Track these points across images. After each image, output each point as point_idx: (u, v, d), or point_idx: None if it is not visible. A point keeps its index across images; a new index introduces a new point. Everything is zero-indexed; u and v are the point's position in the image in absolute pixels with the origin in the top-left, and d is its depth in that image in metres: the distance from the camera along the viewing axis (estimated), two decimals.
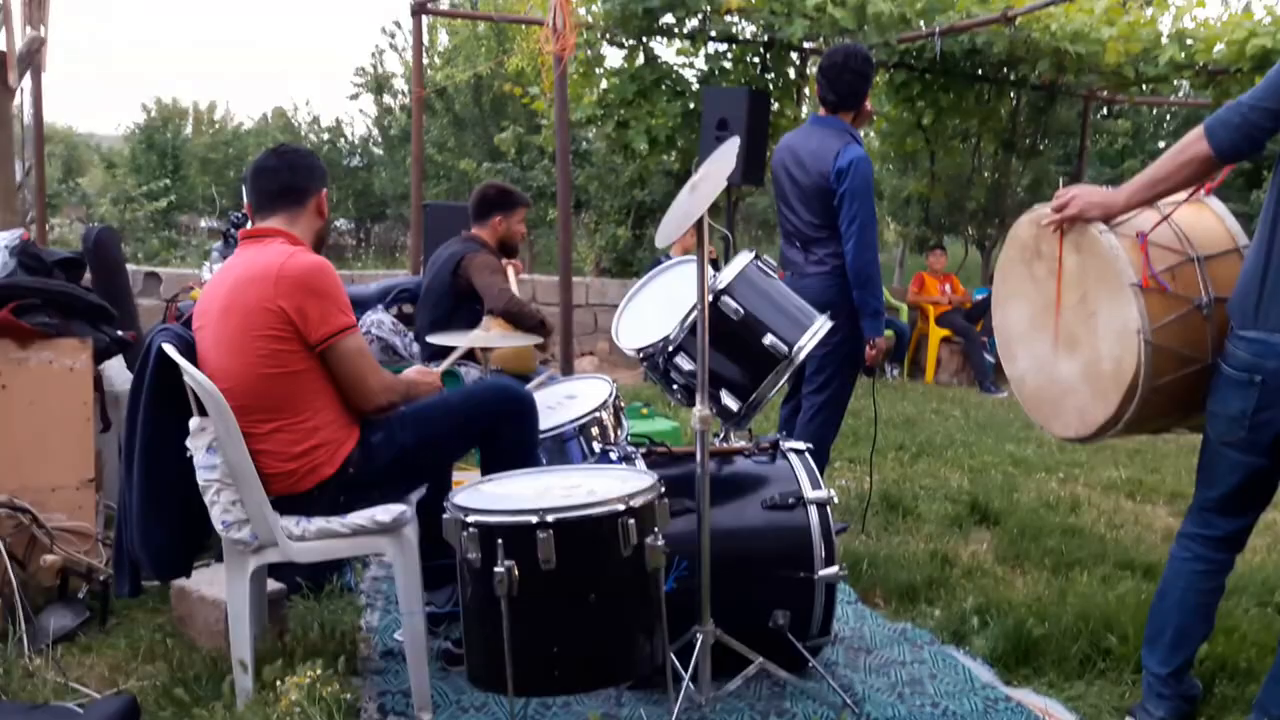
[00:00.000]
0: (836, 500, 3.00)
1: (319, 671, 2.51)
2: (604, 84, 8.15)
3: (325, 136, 21.82)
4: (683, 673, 2.63)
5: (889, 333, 9.52)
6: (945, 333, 9.90)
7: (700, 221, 2.31)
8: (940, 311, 9.98)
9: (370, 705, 2.77)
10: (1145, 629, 2.71)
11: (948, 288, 10.29)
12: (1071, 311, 2.62)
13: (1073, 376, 2.66)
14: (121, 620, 3.28)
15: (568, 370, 6.90)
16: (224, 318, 2.59)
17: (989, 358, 9.34)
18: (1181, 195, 2.54)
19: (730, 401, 2.82)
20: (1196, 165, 2.39)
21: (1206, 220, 2.60)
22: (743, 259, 2.85)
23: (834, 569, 2.89)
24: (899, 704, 2.84)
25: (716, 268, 3.10)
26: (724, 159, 2.36)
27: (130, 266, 7.34)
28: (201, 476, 2.58)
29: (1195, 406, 2.52)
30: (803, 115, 8.49)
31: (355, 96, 21.37)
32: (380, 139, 21.35)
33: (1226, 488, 2.52)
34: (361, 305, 6.11)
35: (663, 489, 2.40)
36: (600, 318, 9.62)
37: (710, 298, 2.71)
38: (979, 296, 10.31)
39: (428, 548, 2.80)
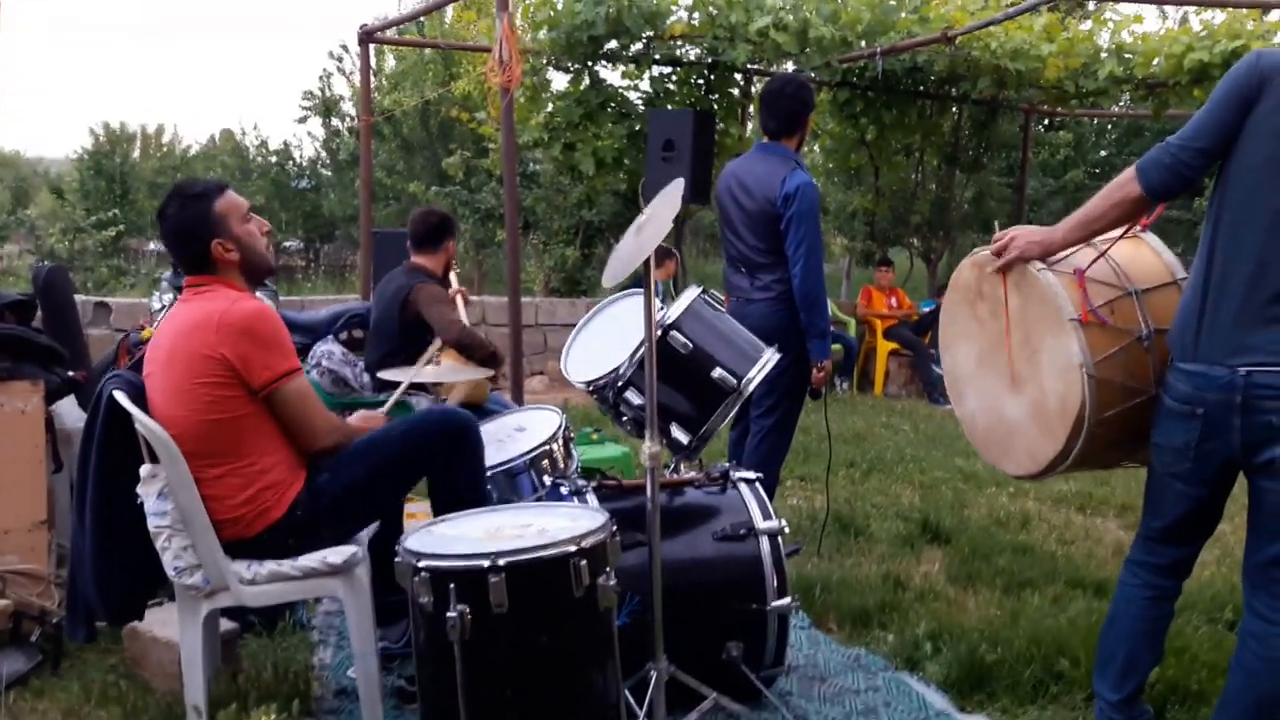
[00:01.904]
0: (787, 529, 3.01)
1: (273, 715, 2.49)
2: (550, 107, 8.18)
3: (274, 159, 21.77)
4: (637, 710, 2.62)
5: (837, 347, 9.62)
6: (893, 346, 10.01)
7: (647, 263, 2.31)
8: (888, 325, 10.10)
9: None
10: (1096, 655, 2.73)
11: (894, 301, 10.42)
12: (1016, 351, 2.66)
13: (1020, 415, 2.69)
14: (74, 662, 3.22)
15: (518, 391, 6.87)
16: (169, 366, 2.60)
17: (936, 369, 9.46)
18: (1117, 232, 2.58)
19: (680, 435, 2.82)
20: (1129, 205, 2.44)
21: (1144, 255, 2.65)
22: (690, 294, 2.85)
23: (786, 600, 2.91)
24: None
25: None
26: (668, 202, 2.36)
27: (79, 297, 7.25)
28: (153, 523, 2.58)
29: (1143, 439, 2.55)
30: (747, 134, 8.57)
31: (303, 120, 21.29)
32: (329, 161, 21.33)
33: (1172, 518, 2.55)
34: (312, 331, 6.05)
35: (614, 528, 2.39)
36: (550, 337, 9.62)
37: (659, 333, 2.71)
38: (925, 309, 10.45)
39: (380, 585, 2.79)
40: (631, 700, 2.63)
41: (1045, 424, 2.60)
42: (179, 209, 2.67)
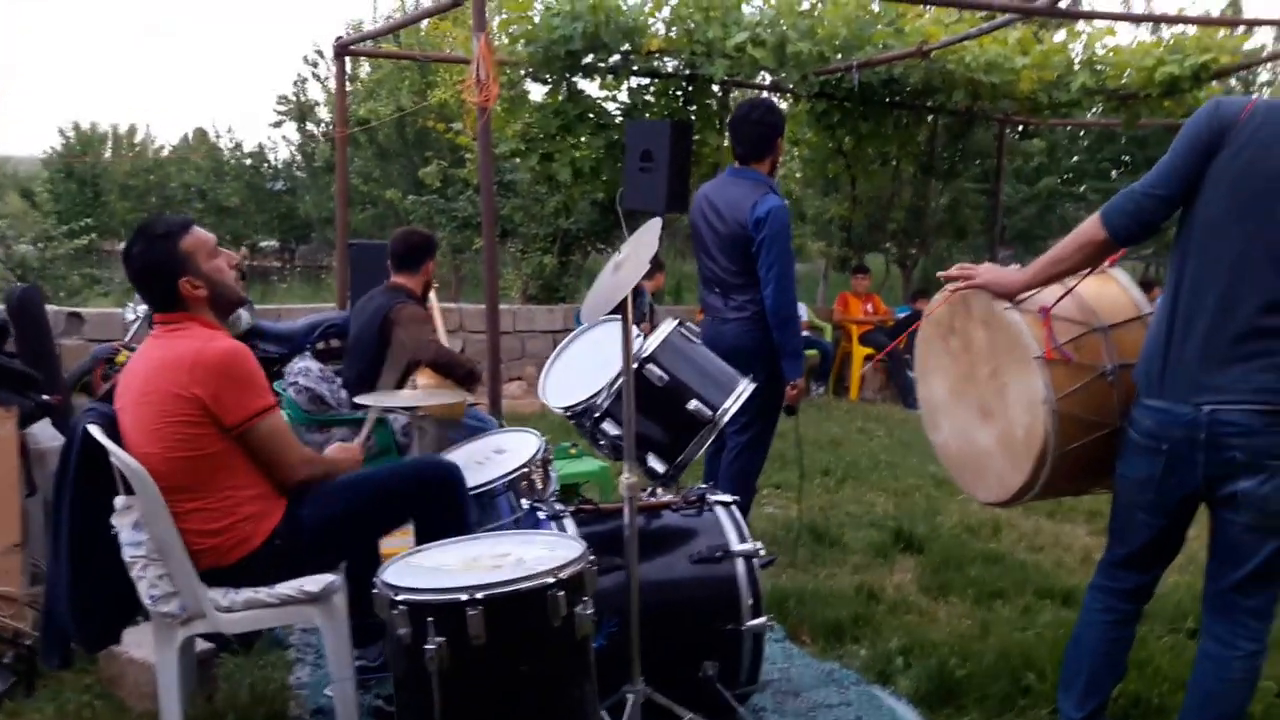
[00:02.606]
0: (763, 551, 3.07)
1: None
2: (527, 117, 8.20)
3: (249, 161, 21.72)
4: None
5: (813, 352, 9.71)
6: (868, 351, 10.12)
7: (623, 304, 2.37)
8: (864, 330, 10.21)
9: None
10: (1061, 673, 2.81)
11: (870, 307, 10.53)
12: (986, 383, 2.74)
13: (990, 444, 2.78)
14: (49, 683, 3.22)
15: (496, 400, 6.90)
16: (141, 403, 2.63)
17: (911, 374, 9.56)
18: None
19: (657, 464, 2.88)
20: (1094, 249, 2.52)
21: (1111, 291, 2.73)
22: (667, 326, 2.91)
23: (761, 620, 2.97)
24: None
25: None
26: (644, 242, 2.42)
27: (52, 308, 7.21)
28: (128, 553, 2.60)
29: (1109, 468, 2.63)
30: (725, 144, 8.62)
31: (279, 124, 21.25)
32: (304, 164, 21.26)
33: (1135, 546, 2.63)
34: (289, 341, 6.07)
35: (591, 556, 2.43)
36: (528, 344, 9.69)
37: (635, 365, 2.76)
38: (901, 315, 10.56)
39: (357, 607, 2.80)
40: None
41: (1013, 454, 2.68)
42: (145, 249, 2.67)
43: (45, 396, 3.57)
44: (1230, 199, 2.34)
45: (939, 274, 2.80)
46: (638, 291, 8.90)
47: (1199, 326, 2.38)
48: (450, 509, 2.87)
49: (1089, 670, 2.72)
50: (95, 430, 2.59)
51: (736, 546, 3.01)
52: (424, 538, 2.84)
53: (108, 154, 23.54)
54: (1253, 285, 2.32)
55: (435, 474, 2.92)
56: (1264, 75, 17.00)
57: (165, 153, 24.41)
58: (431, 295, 4.93)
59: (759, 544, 3.05)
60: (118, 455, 2.55)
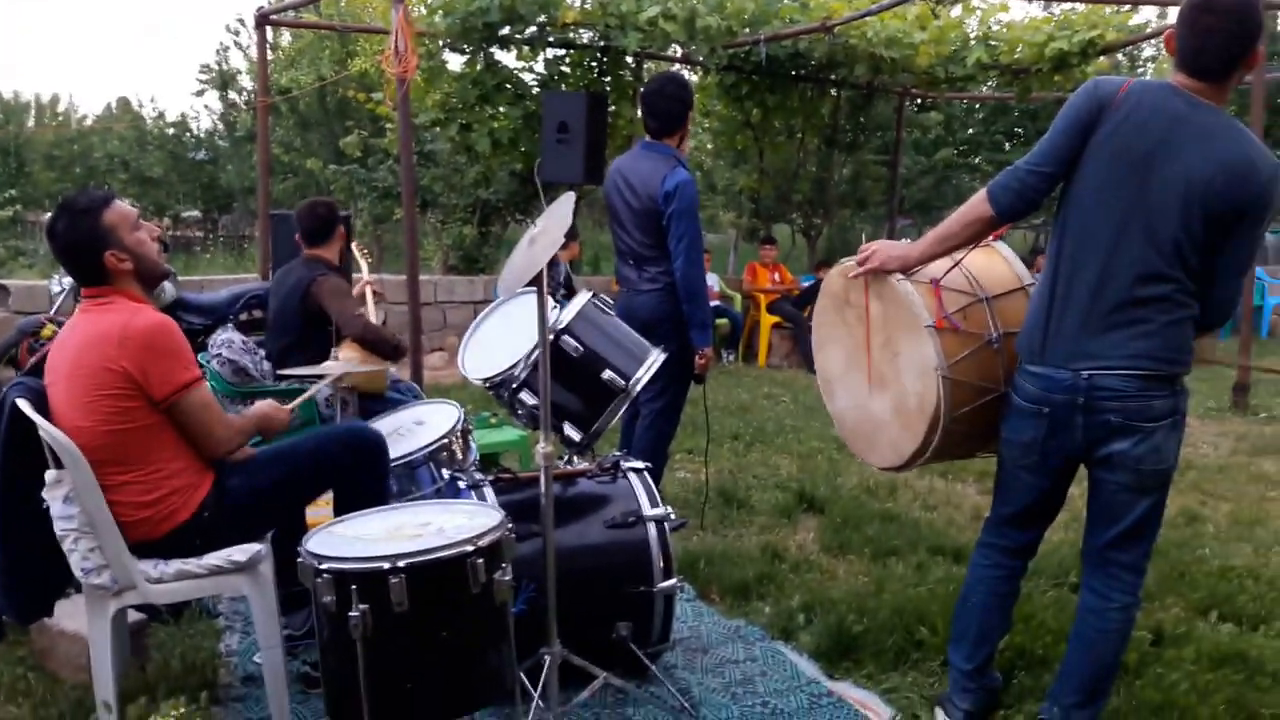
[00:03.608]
0: (674, 515, 3.20)
1: (182, 709, 2.58)
2: (446, 88, 8.17)
3: (171, 131, 21.38)
4: (532, 691, 2.77)
5: (724, 321, 9.91)
6: (776, 319, 10.35)
7: (539, 278, 2.45)
8: (771, 299, 10.43)
9: None
10: (951, 628, 2.98)
11: (777, 276, 10.76)
12: (879, 353, 2.86)
13: (884, 412, 2.90)
14: None
15: (418, 369, 6.91)
16: (71, 378, 2.63)
17: None
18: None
19: (573, 432, 2.97)
20: (981, 225, 2.64)
21: (995, 264, 2.88)
22: (582, 299, 2.99)
23: (672, 581, 3.10)
24: (732, 705, 3.06)
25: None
26: (559, 216, 2.49)
27: None
28: (59, 526, 2.61)
29: (994, 432, 2.78)
30: (639, 116, 8.72)
31: (200, 93, 21.18)
32: (226, 133, 21.01)
33: (1020, 505, 2.79)
34: (212, 312, 5.99)
35: (509, 525, 2.52)
36: (449, 314, 9.67)
37: (551, 337, 2.84)
38: (806, 284, 10.82)
39: (283, 577, 2.86)
40: (527, 683, 2.78)
41: (906, 421, 2.81)
42: (69, 225, 2.67)
43: None
44: (1106, 175, 2.47)
45: (850, 275, 2.88)
46: (553, 262, 8.98)
47: (1078, 296, 2.51)
48: (372, 476, 2.93)
49: (978, 625, 2.87)
50: (24, 404, 2.58)
51: (648, 512, 3.12)
52: (343, 506, 2.90)
53: (30, 124, 22.84)
54: (1128, 258, 2.45)
55: (361, 441, 2.96)
56: (1148, 50, 17.69)
57: (89, 122, 23.96)
58: (364, 264, 4.91)
59: (670, 509, 3.17)
60: (47, 430, 2.55)
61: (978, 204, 2.62)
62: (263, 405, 3.02)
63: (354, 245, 5.13)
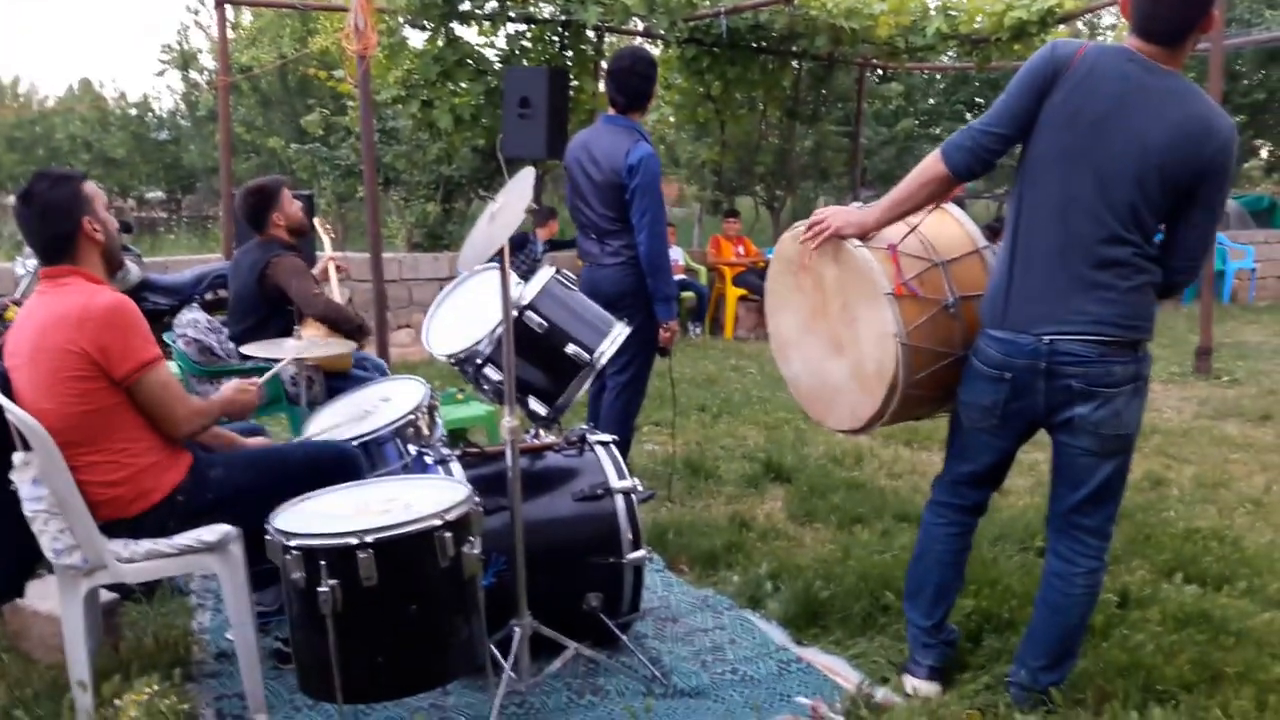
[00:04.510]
0: (640, 487, 3.22)
1: (156, 685, 2.59)
2: (407, 64, 8.11)
3: (134, 111, 21.30)
4: (504, 663, 2.80)
5: (689, 294, 9.93)
6: (741, 291, 10.39)
7: (501, 252, 2.45)
8: (736, 272, 10.46)
9: (208, 711, 2.84)
10: (905, 586, 3.03)
11: (741, 250, 10.80)
12: (836, 318, 2.87)
13: (842, 377, 2.91)
14: None
15: (383, 347, 6.89)
16: (33, 362, 2.63)
17: None
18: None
19: (538, 407, 2.98)
20: (935, 185, 2.65)
21: (949, 227, 2.89)
22: (545, 274, 3.00)
23: (640, 552, 3.13)
24: (702, 672, 3.10)
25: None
26: (519, 192, 2.49)
27: None
28: (28, 507, 2.61)
29: (949, 395, 2.82)
30: (601, 90, 8.69)
31: (162, 73, 21.20)
32: (188, 113, 20.97)
33: (979, 465, 2.83)
34: (177, 293, 5.94)
35: (477, 498, 2.54)
36: (414, 291, 9.62)
37: (515, 312, 2.85)
38: (770, 255, 10.84)
39: (253, 554, 2.84)
40: (498, 655, 2.81)
41: (865, 385, 2.83)
42: (48, 188, 2.68)
43: None
44: (1062, 139, 2.48)
45: (806, 242, 2.86)
46: (527, 239, 8.96)
47: (1038, 261, 2.54)
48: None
49: (936, 581, 2.92)
50: None
51: (616, 484, 3.15)
52: None
53: None
54: (1087, 222, 2.48)
55: (337, 460, 2.97)
56: (1107, 19, 17.88)
57: (50, 104, 23.69)
58: (328, 242, 4.86)
59: (637, 480, 3.20)
60: (13, 411, 2.55)
61: (932, 164, 2.64)
62: (229, 389, 3.03)
63: (317, 221, 5.08)
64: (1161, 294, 2.61)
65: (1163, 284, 2.59)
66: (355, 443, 3.21)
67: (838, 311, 2.86)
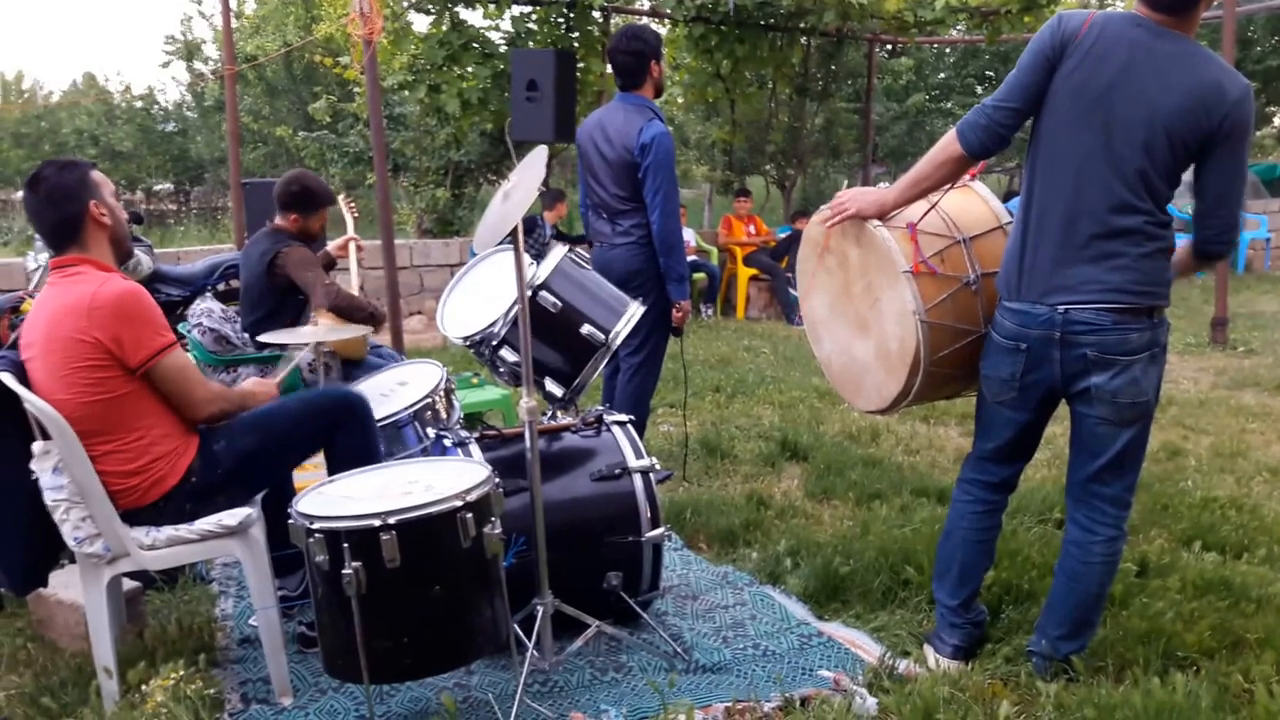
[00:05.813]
0: (658, 465, 3.23)
1: (181, 671, 2.61)
2: (413, 49, 8.09)
3: (139, 104, 21.30)
4: (526, 642, 2.82)
5: (701, 275, 9.92)
6: (753, 271, 10.37)
7: (515, 231, 2.45)
8: (747, 252, 10.45)
9: (233, 696, 2.86)
10: (935, 565, 3.02)
11: (753, 229, 10.77)
12: (860, 299, 2.88)
13: (868, 357, 2.92)
14: None
15: (397, 335, 6.90)
16: (46, 352, 2.63)
17: (793, 291, 9.88)
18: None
19: (555, 388, 2.99)
20: (952, 165, 2.65)
21: (972, 203, 2.88)
22: (558, 253, 3.00)
23: (659, 530, 3.14)
24: (724, 648, 3.11)
25: None
26: (532, 169, 2.49)
27: None
28: (49, 497, 2.62)
29: (976, 372, 2.80)
30: (609, 71, 8.67)
31: (166, 65, 21.14)
32: (194, 104, 21.00)
33: (1001, 440, 2.82)
34: (189, 284, 5.97)
35: (497, 479, 2.55)
36: (426, 278, 9.65)
37: (529, 292, 2.86)
38: (782, 235, 10.83)
39: (275, 539, 2.87)
40: (521, 634, 2.83)
41: (888, 365, 2.83)
42: (56, 173, 2.70)
43: None
44: (1072, 109, 2.48)
45: (826, 224, 2.87)
46: (536, 222, 8.98)
47: (1050, 231, 2.54)
48: (358, 436, 2.95)
49: (962, 560, 2.91)
50: (7, 378, 2.59)
51: (633, 463, 3.15)
52: (335, 467, 2.92)
53: None
54: (1097, 191, 2.47)
55: (341, 402, 2.98)
56: None
57: (55, 99, 23.73)
58: (350, 224, 4.86)
59: (654, 460, 3.21)
60: (32, 401, 2.56)
61: (948, 144, 2.64)
62: (248, 384, 3.06)
63: (341, 199, 5.09)
64: (1199, 261, 2.63)
65: (1198, 252, 2.60)
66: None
67: (861, 292, 2.87)
